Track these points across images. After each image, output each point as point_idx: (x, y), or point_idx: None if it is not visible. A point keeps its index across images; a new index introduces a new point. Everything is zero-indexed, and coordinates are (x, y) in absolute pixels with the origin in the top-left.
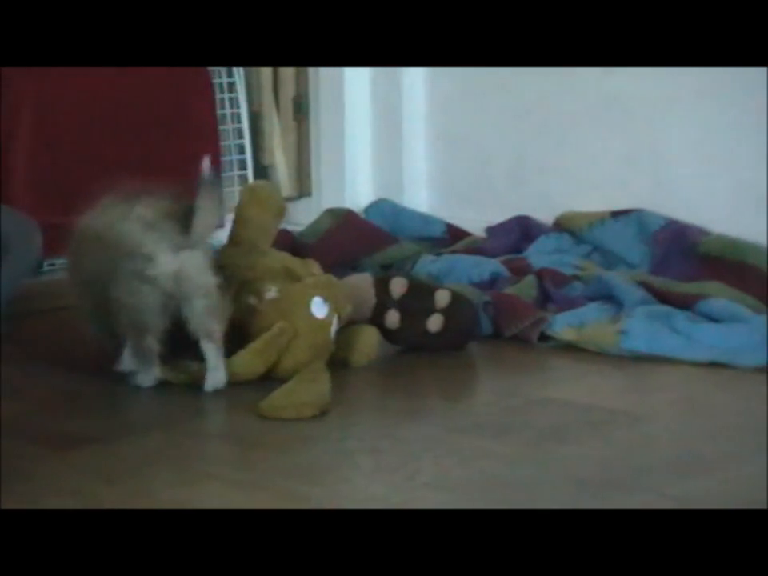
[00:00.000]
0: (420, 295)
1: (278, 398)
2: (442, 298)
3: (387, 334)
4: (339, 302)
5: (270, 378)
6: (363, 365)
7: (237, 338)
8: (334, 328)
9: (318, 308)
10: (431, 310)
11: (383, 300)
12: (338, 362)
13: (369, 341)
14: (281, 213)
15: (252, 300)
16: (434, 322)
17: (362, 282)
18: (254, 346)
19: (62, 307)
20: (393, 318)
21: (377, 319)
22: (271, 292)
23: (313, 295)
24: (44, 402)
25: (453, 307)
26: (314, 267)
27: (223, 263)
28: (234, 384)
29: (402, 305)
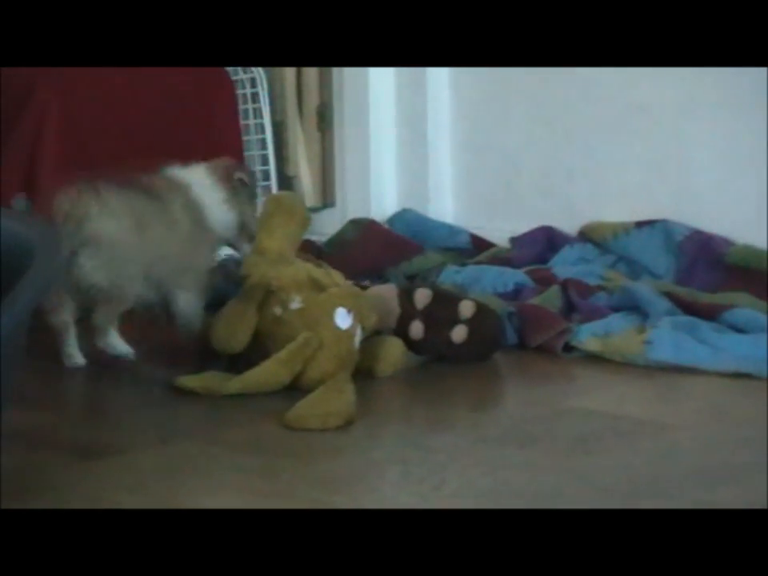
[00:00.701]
0: (444, 305)
1: (304, 408)
2: (467, 308)
3: (412, 344)
4: (363, 312)
5: (295, 389)
6: (388, 375)
7: (262, 347)
8: (358, 338)
9: (342, 318)
10: (455, 321)
11: (407, 310)
12: (363, 372)
13: (394, 351)
14: (305, 223)
15: (277, 310)
16: (459, 333)
17: (387, 293)
18: (279, 356)
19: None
20: (417, 328)
21: (401, 330)
22: (296, 302)
23: (337, 306)
24: (67, 411)
25: (477, 318)
26: (338, 277)
27: (248, 272)
28: (260, 394)
29: (426, 315)
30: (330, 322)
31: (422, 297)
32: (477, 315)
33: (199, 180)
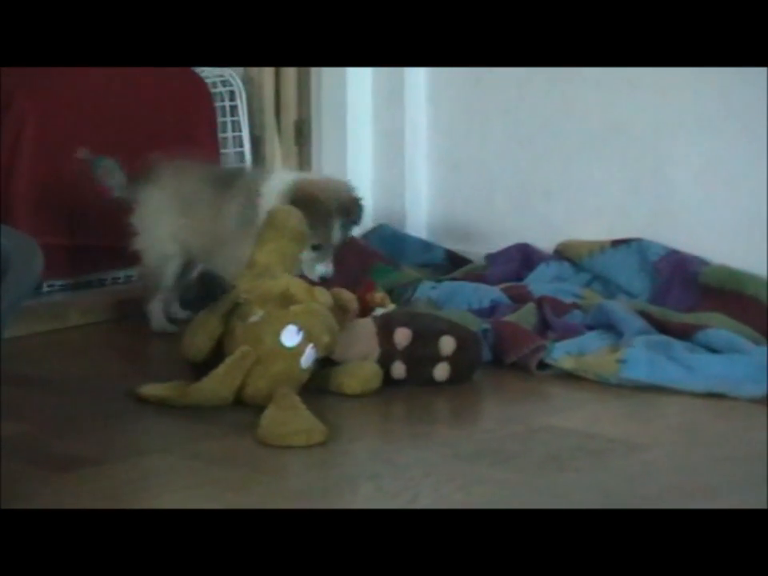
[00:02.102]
0: (425, 344)
1: (274, 427)
2: (447, 345)
3: (394, 383)
4: (315, 332)
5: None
6: (357, 392)
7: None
8: (307, 357)
9: (290, 336)
10: (437, 359)
11: (388, 351)
12: (334, 390)
13: (366, 371)
14: (299, 238)
15: (238, 323)
16: (441, 371)
17: (365, 330)
18: (218, 371)
19: (62, 328)
20: (399, 369)
21: (382, 369)
22: (256, 316)
23: (287, 323)
24: (43, 423)
25: (458, 353)
26: (322, 294)
27: (233, 283)
28: (236, 407)
29: (407, 355)
30: (273, 339)
31: (402, 337)
32: (457, 351)
33: (274, 189)
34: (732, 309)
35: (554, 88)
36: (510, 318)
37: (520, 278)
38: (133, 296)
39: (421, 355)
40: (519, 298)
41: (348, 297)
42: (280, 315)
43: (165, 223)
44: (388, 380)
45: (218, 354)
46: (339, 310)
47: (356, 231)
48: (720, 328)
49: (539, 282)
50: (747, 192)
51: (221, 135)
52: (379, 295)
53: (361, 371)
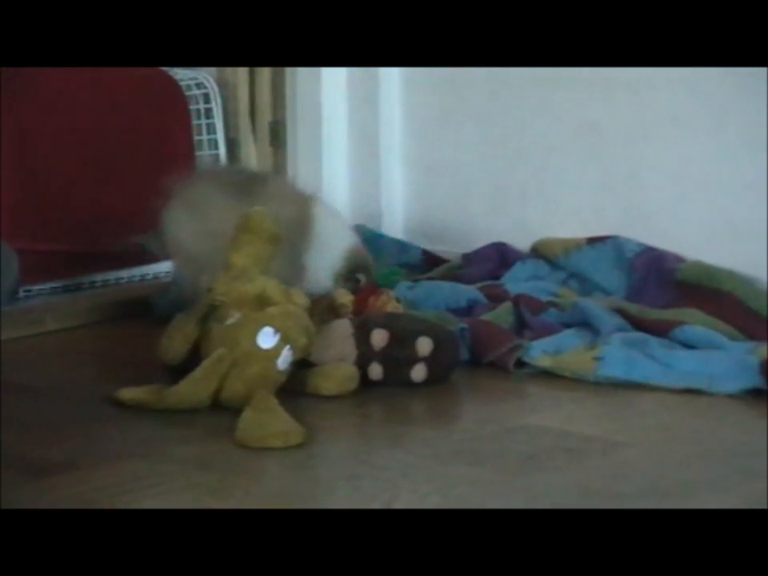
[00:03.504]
0: (402, 345)
1: (252, 429)
2: (424, 346)
3: (371, 384)
4: (291, 334)
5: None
6: (333, 393)
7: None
8: (283, 359)
9: (266, 338)
10: (414, 360)
11: (365, 352)
12: (310, 391)
13: (342, 372)
14: (274, 239)
15: (214, 326)
16: (418, 372)
17: (342, 331)
18: (195, 374)
19: (38, 333)
20: (376, 370)
21: (360, 371)
22: (232, 319)
23: (264, 324)
24: (21, 428)
25: (435, 353)
26: (298, 297)
27: (210, 286)
28: (212, 410)
29: (384, 356)
30: (249, 341)
31: (379, 338)
32: (434, 352)
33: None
34: (709, 305)
35: (528, 89)
36: (486, 317)
37: (497, 277)
38: (110, 300)
39: (398, 356)
40: (496, 297)
41: (343, 300)
42: (256, 317)
43: (197, 243)
44: (365, 381)
45: (195, 357)
46: (331, 311)
47: None
48: (696, 325)
49: (515, 281)
50: (721, 191)
51: (195, 138)
52: (382, 298)
53: (338, 372)
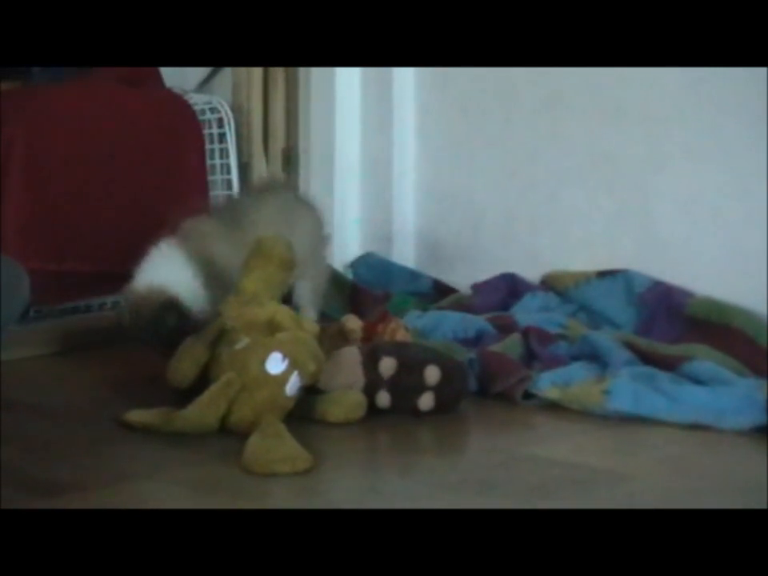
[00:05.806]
0: (410, 373)
1: (259, 454)
2: (432, 375)
3: (378, 412)
4: (300, 360)
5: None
6: (341, 420)
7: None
8: (292, 385)
9: (275, 364)
10: (422, 389)
11: (373, 380)
12: (317, 418)
13: (350, 399)
14: (287, 265)
15: (224, 350)
16: (426, 401)
17: (350, 358)
18: (203, 398)
19: (48, 354)
20: (384, 398)
21: (367, 398)
22: (241, 343)
23: (273, 350)
24: (28, 449)
25: (443, 383)
26: (308, 323)
27: (221, 310)
28: (221, 434)
29: (392, 384)
30: (258, 366)
31: (388, 366)
32: (442, 381)
33: None
34: (718, 341)
35: (541, 118)
36: (495, 347)
37: (506, 308)
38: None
39: (406, 385)
40: (505, 328)
41: (353, 326)
42: (265, 342)
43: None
44: (373, 409)
45: (203, 381)
46: (340, 336)
47: (343, 261)
48: (705, 360)
49: (525, 312)
50: (733, 224)
51: (209, 162)
52: (392, 326)
53: (345, 400)
